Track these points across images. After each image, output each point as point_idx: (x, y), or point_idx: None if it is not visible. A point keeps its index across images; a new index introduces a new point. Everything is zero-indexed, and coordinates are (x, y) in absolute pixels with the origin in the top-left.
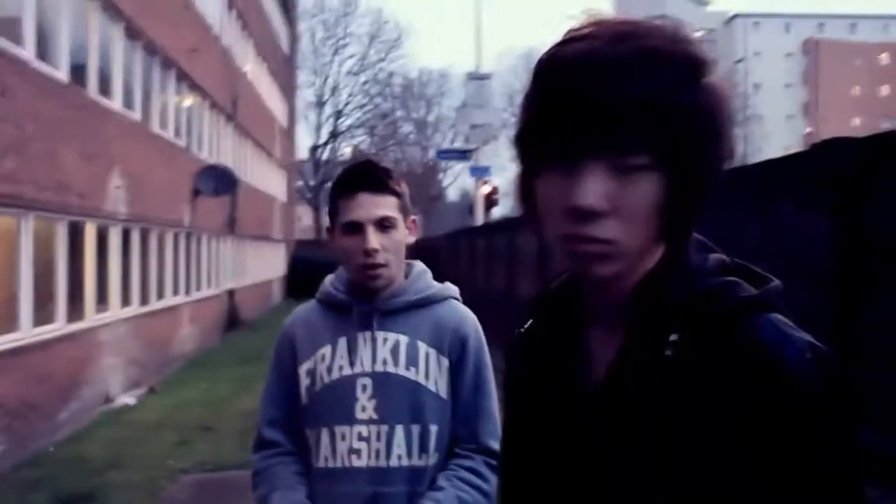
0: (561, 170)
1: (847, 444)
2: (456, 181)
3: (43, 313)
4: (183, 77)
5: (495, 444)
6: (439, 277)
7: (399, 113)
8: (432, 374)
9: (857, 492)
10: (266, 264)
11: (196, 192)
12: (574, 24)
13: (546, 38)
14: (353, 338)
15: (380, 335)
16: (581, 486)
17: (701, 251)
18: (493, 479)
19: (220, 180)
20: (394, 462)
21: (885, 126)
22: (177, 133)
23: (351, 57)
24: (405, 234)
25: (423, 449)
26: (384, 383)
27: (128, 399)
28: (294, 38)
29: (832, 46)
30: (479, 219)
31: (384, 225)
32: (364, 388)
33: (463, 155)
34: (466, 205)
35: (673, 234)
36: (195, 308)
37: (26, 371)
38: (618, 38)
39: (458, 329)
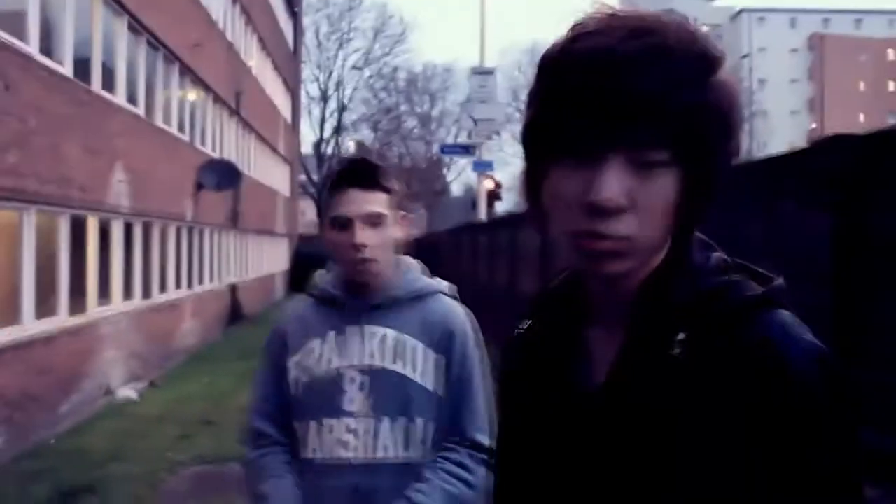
0: (576, 165)
1: (847, 444)
2: (460, 176)
3: (45, 306)
4: (187, 71)
5: (481, 438)
6: (442, 273)
7: (403, 107)
8: (420, 368)
9: (857, 492)
10: (269, 258)
11: (199, 186)
12: (582, 18)
13: (550, 33)
14: (342, 331)
15: (368, 329)
16: (582, 488)
17: (702, 249)
18: (480, 471)
19: (223, 174)
20: (381, 455)
21: (891, 122)
22: (180, 127)
23: (355, 51)
24: (396, 231)
25: (411, 442)
26: (373, 377)
27: (129, 392)
28: (298, 33)
29: (838, 42)
30: (482, 214)
31: (373, 221)
32: (352, 381)
33: (466, 150)
34: (470, 200)
35: (684, 231)
36: (197, 302)
37: (28, 363)
38: (634, 33)
39: (446, 323)
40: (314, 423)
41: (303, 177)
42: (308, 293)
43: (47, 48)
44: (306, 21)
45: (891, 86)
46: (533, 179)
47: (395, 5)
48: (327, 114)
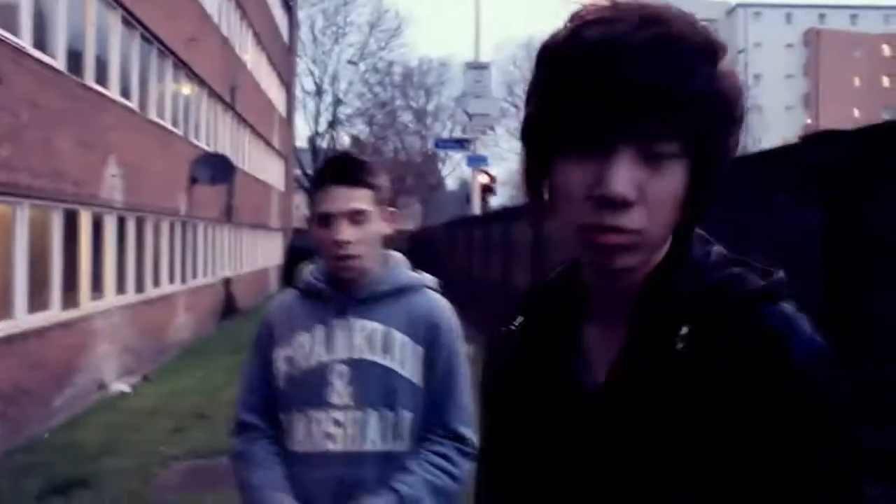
0: (583, 158)
1: (846, 438)
2: (455, 170)
3: (38, 301)
4: (181, 65)
5: (466, 431)
6: (437, 267)
7: (398, 102)
8: (406, 362)
9: (855, 486)
10: (263, 252)
11: (193, 181)
12: (581, 7)
13: (546, 27)
14: (329, 325)
15: (356, 323)
16: (585, 487)
17: (702, 244)
18: (464, 464)
19: (217, 168)
20: (367, 447)
21: (886, 118)
22: (174, 121)
23: (351, 46)
24: (381, 226)
25: (397, 434)
26: (359, 370)
27: (122, 386)
28: (293, 27)
29: (833, 37)
30: (476, 208)
31: (355, 218)
32: (340, 374)
33: (461, 144)
34: (465, 194)
35: (687, 225)
36: (191, 296)
37: (21, 358)
38: (641, 22)
39: (432, 318)
40: (301, 415)
41: (297, 171)
42: (295, 287)
43: (40, 41)
44: (301, 15)
45: (885, 81)
46: (535, 173)
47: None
48: (322, 108)
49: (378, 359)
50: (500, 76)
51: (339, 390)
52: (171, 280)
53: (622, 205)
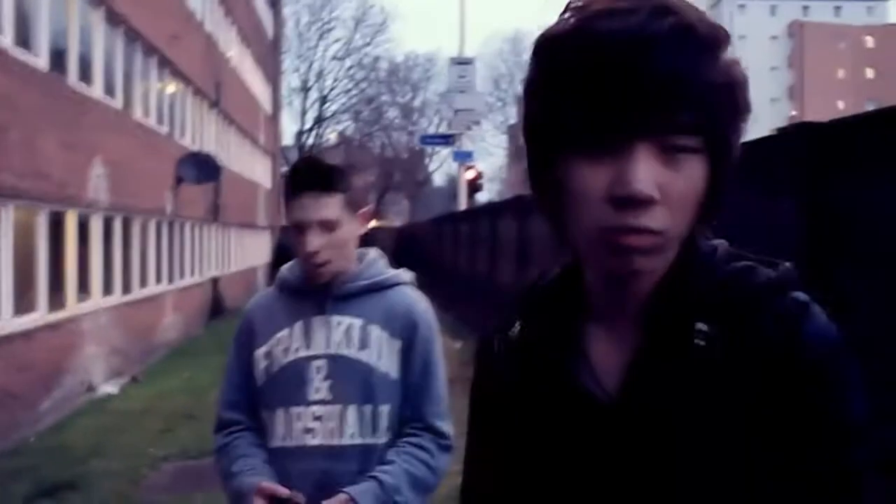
0: (599, 155)
1: (855, 423)
2: (442, 166)
3: (24, 302)
4: (165, 63)
5: (442, 424)
6: (424, 262)
7: (385, 98)
8: (384, 356)
9: (863, 477)
10: (251, 251)
11: (179, 180)
12: None
13: (532, 21)
14: (308, 321)
15: (334, 319)
16: (604, 498)
17: (705, 239)
18: (441, 457)
19: (202, 167)
20: (346, 440)
21: (870, 109)
22: (159, 120)
23: (336, 41)
24: (353, 229)
25: (375, 428)
26: (338, 365)
27: (110, 388)
28: (278, 23)
29: (817, 29)
30: (463, 204)
31: (326, 225)
32: (318, 369)
33: (446, 140)
34: (453, 190)
35: (705, 221)
36: (178, 296)
37: (7, 360)
38: (656, 12)
39: (408, 313)
40: (281, 411)
41: (284, 169)
42: (275, 284)
43: (22, 41)
44: (286, 11)
45: (869, 73)
46: (542, 172)
47: None
48: (308, 105)
49: (355, 354)
50: (486, 71)
51: (318, 385)
52: (159, 280)
53: (646, 204)
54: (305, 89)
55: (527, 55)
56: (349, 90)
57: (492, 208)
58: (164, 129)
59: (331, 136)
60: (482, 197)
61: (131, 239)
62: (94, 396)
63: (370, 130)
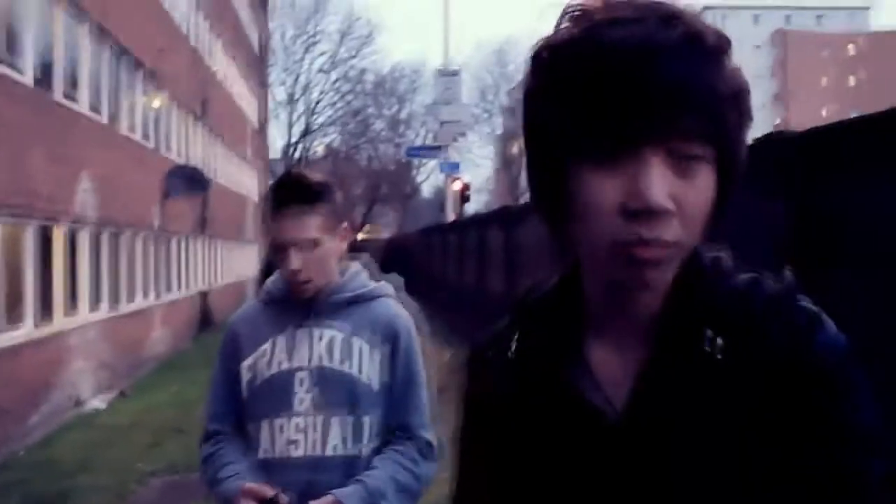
0: (608, 165)
1: (865, 432)
2: (430, 178)
3: (12, 317)
4: (151, 77)
5: (426, 433)
6: (413, 272)
7: (371, 110)
8: (366, 368)
9: (873, 485)
10: (239, 264)
11: (166, 194)
12: (577, 7)
13: (519, 31)
14: (291, 334)
15: (316, 331)
16: None
17: (705, 249)
18: (426, 465)
19: (190, 181)
20: (330, 451)
21: (854, 115)
22: (145, 134)
23: (322, 54)
24: (335, 245)
25: (358, 438)
26: (321, 377)
27: (98, 403)
28: (264, 36)
29: (800, 37)
30: (450, 215)
31: (307, 245)
32: (301, 381)
33: (433, 152)
34: (440, 201)
35: (711, 231)
36: (167, 310)
37: None
38: (665, 20)
39: (390, 324)
40: (266, 423)
41: (272, 181)
42: (259, 297)
43: (8, 56)
44: (272, 24)
45: (852, 80)
46: (545, 180)
47: (362, 6)
48: (295, 117)
49: (338, 365)
50: (472, 82)
51: (302, 397)
52: (147, 294)
53: (660, 216)
54: (292, 102)
55: (513, 66)
56: (335, 103)
57: (479, 219)
58: (151, 143)
59: (318, 149)
60: (470, 207)
61: (119, 253)
62: (82, 411)
63: (357, 143)
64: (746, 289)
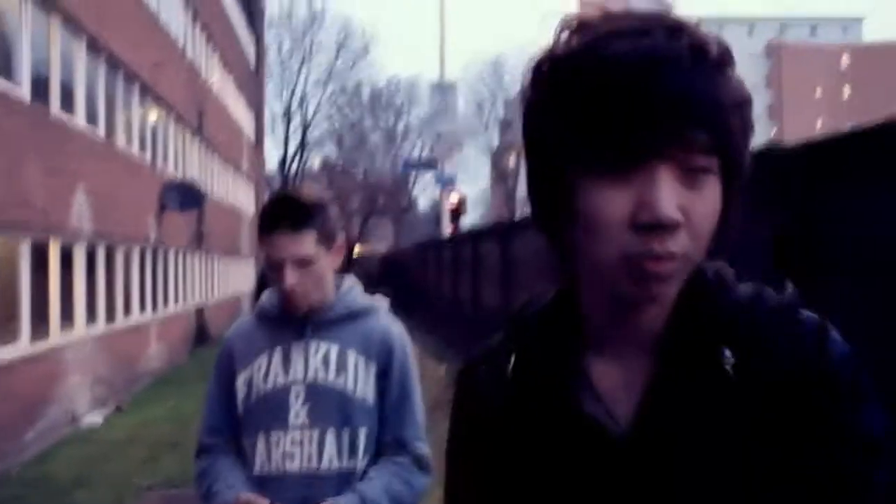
0: (618, 179)
1: (874, 441)
2: (427, 191)
3: (6, 332)
4: (147, 92)
5: (421, 447)
6: (408, 287)
7: (367, 123)
8: (360, 382)
9: (881, 485)
10: (235, 279)
11: (162, 208)
12: (574, 19)
13: (515, 44)
14: (287, 349)
15: (311, 346)
16: None
17: (705, 262)
18: (420, 477)
19: (186, 195)
20: (325, 465)
21: (849, 127)
22: (141, 148)
23: (318, 67)
24: (328, 262)
25: (353, 452)
26: (316, 391)
27: (94, 418)
28: (260, 50)
29: (794, 49)
30: (446, 229)
31: (301, 262)
32: (297, 395)
33: (428, 165)
34: (437, 214)
35: (716, 244)
36: (162, 325)
37: None
38: (670, 32)
39: (385, 339)
40: (262, 437)
41: (267, 196)
42: (254, 313)
43: (4, 70)
44: (268, 37)
45: (846, 91)
46: (547, 193)
47: (358, 20)
48: (291, 131)
49: (333, 380)
50: (468, 95)
51: (297, 411)
52: (143, 309)
53: (671, 229)
54: (288, 115)
55: (509, 77)
56: (331, 116)
57: (474, 234)
58: (147, 157)
59: (314, 162)
60: (467, 221)
61: (115, 267)
62: (79, 426)
63: (353, 156)
64: (750, 301)
